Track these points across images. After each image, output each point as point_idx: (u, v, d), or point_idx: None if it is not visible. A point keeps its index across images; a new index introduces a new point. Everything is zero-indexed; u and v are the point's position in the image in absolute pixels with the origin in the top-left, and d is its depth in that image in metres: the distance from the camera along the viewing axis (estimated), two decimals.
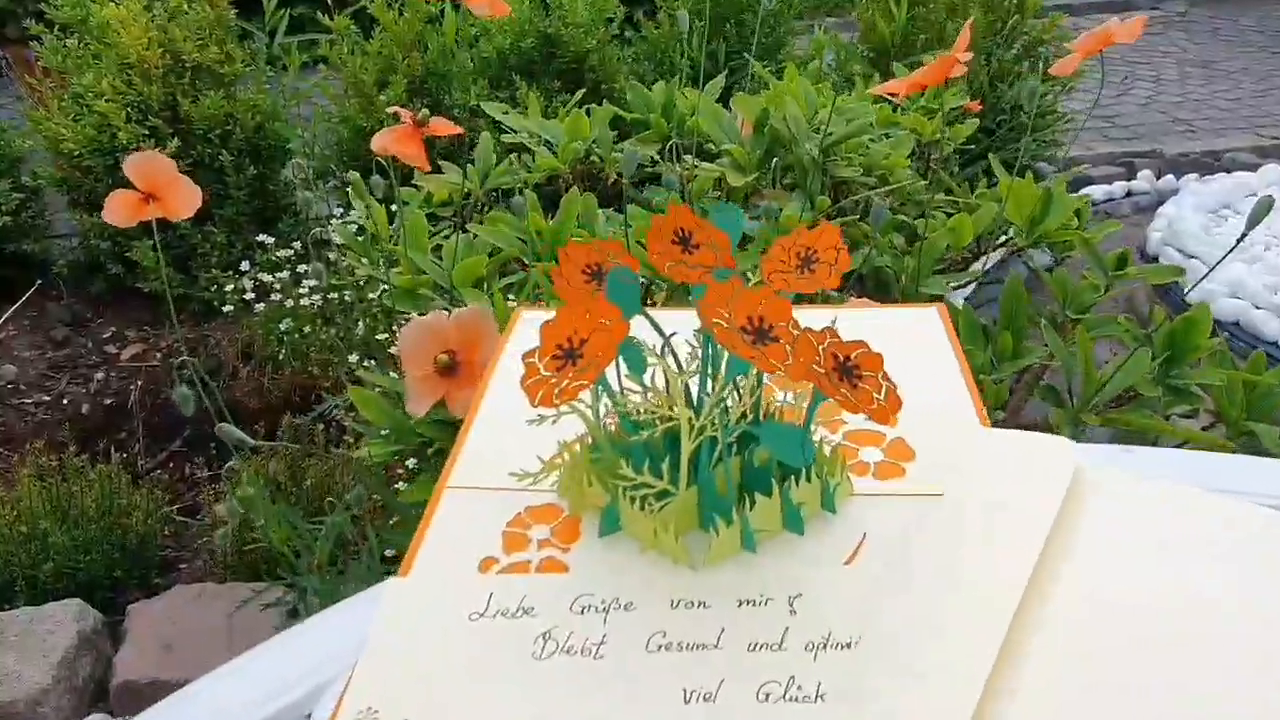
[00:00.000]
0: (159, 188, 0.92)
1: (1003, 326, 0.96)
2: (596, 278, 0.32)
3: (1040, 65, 2.80)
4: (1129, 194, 3.06)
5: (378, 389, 0.96)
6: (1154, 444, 0.94)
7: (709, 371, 0.32)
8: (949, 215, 1.34)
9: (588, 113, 1.34)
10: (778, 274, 0.32)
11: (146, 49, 2.15)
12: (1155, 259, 2.26)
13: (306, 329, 2.03)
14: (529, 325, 0.42)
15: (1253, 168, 3.09)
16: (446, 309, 0.68)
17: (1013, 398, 0.97)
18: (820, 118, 1.21)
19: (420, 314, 0.72)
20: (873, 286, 1.04)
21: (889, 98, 0.82)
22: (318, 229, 2.02)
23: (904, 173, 1.18)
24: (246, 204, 2.29)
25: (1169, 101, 4.35)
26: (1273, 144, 3.54)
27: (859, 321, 0.40)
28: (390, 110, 0.86)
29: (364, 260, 1.01)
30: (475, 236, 1.07)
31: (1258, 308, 1.94)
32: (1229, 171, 3.12)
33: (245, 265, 2.21)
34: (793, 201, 1.03)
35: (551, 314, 0.41)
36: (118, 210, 0.92)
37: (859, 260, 0.97)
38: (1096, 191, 3.02)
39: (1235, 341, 1.97)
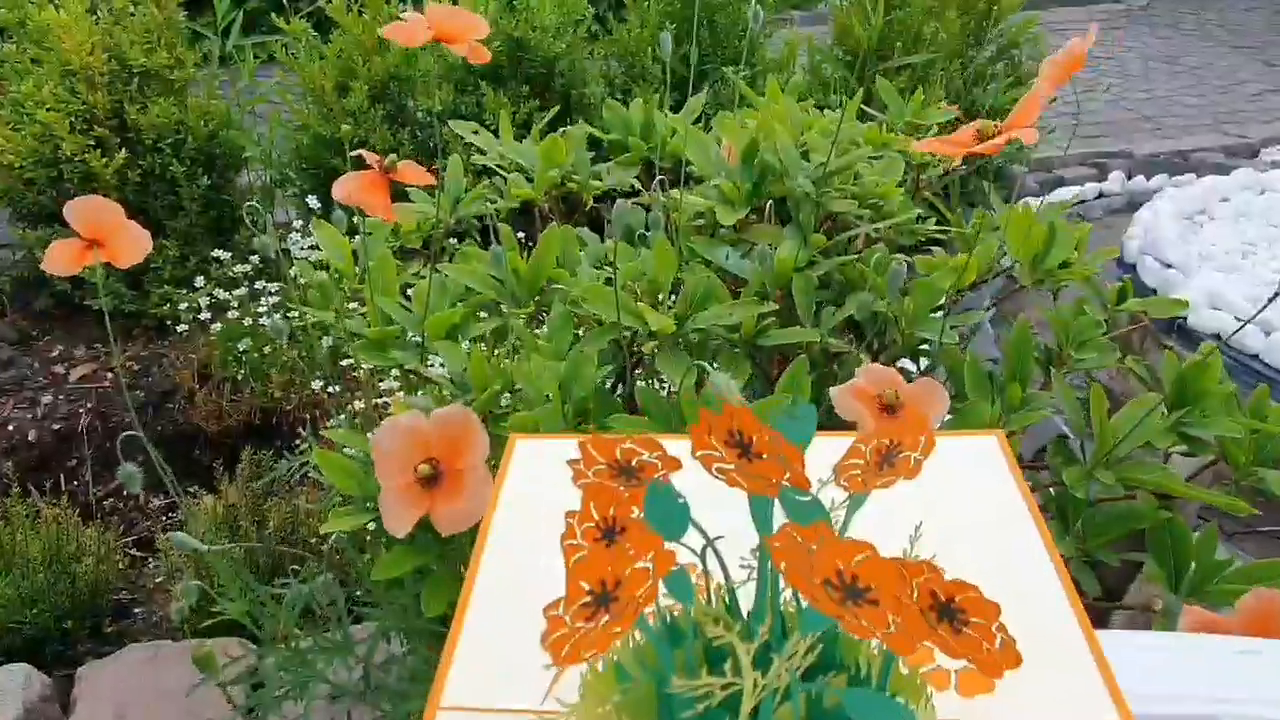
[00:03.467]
0: (103, 233, 0.85)
1: (1009, 376, 0.91)
2: (626, 474, 0.26)
3: (1015, 67, 2.77)
4: (1100, 195, 3.05)
5: (344, 449, 0.89)
6: (1166, 499, 0.90)
7: (767, 591, 0.26)
8: (940, 243, 1.29)
9: (563, 133, 1.27)
10: (854, 476, 0.26)
11: (90, 54, 2.04)
12: (1133, 267, 2.24)
13: (267, 349, 1.94)
14: (526, 456, 0.35)
15: (1221, 168, 3.10)
16: (425, 406, 0.62)
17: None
18: (806, 139, 1.15)
19: (393, 409, 0.66)
20: (871, 331, 0.99)
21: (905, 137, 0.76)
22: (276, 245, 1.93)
23: (896, 201, 1.13)
24: (200, 215, 2.19)
25: (1135, 98, 4.36)
26: (1240, 143, 3.56)
27: None
28: (355, 153, 0.79)
29: (331, 308, 0.94)
30: (447, 277, 1.00)
31: (1239, 320, 1.93)
32: (1197, 172, 3.12)
33: (200, 280, 2.11)
34: (786, 239, 0.97)
35: (550, 443, 0.35)
36: (58, 260, 0.84)
37: (855, 305, 0.92)
38: (1067, 194, 3.01)
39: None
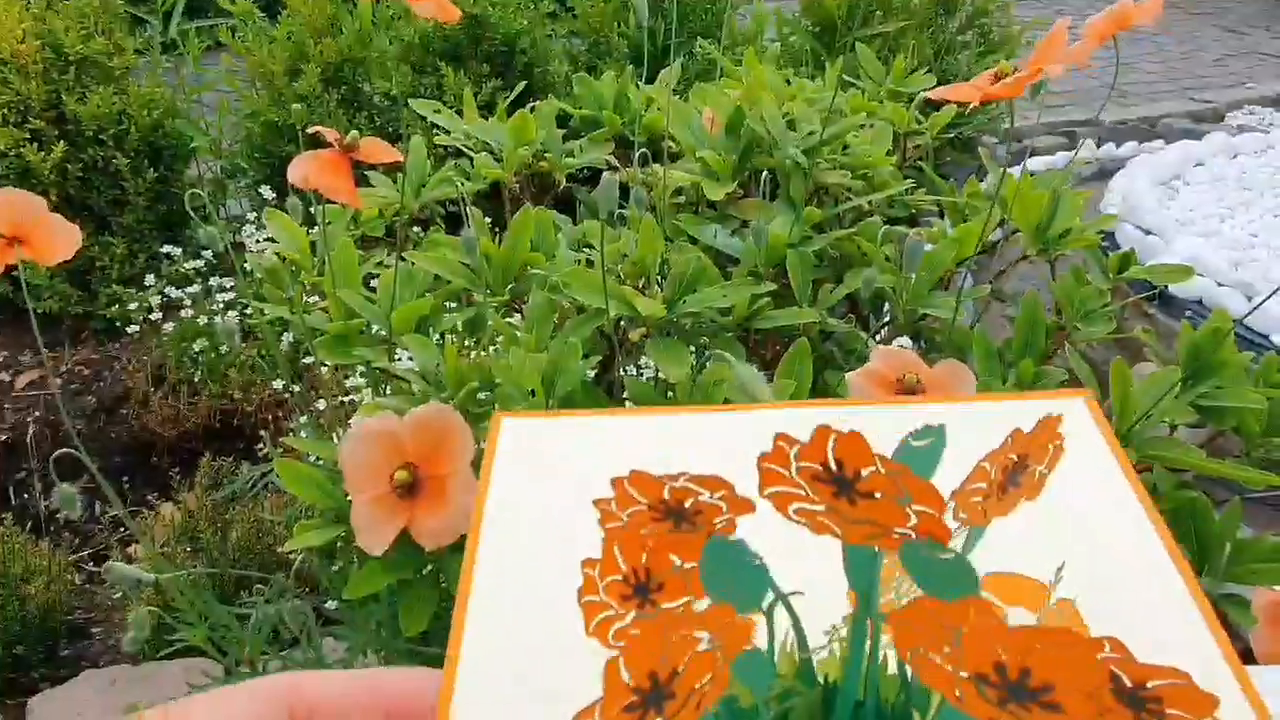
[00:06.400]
0: (25, 229, 0.76)
1: (1020, 351, 0.86)
2: (674, 517, 0.19)
3: (985, 37, 2.73)
4: (1072, 163, 3.03)
5: (310, 458, 0.82)
6: (1189, 478, 0.86)
7: (860, 660, 0.20)
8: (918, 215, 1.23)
9: (531, 109, 1.20)
10: (975, 505, 0.20)
11: (22, 42, 1.92)
12: (1111, 235, 2.21)
13: (223, 348, 1.85)
14: (517, 440, 0.28)
15: (1189, 134, 3.09)
16: (399, 410, 0.55)
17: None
18: (790, 109, 1.09)
19: (365, 415, 0.59)
20: (869, 308, 0.93)
21: (939, 100, 0.70)
22: (224, 237, 1.83)
23: (886, 170, 1.07)
24: (148, 210, 2.08)
25: (1097, 65, 4.35)
26: (1206, 108, 3.55)
27: (986, 419, 0.27)
28: (311, 130, 0.72)
29: (285, 299, 0.86)
30: (413, 265, 0.93)
31: (1220, 284, 1.91)
32: (1166, 138, 3.11)
33: (150, 279, 2.01)
34: (777, 214, 0.91)
35: (545, 422, 0.27)
36: None
37: (860, 281, 0.86)
38: (1038, 164, 2.98)
39: (1198, 320, 1.93)
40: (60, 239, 0.76)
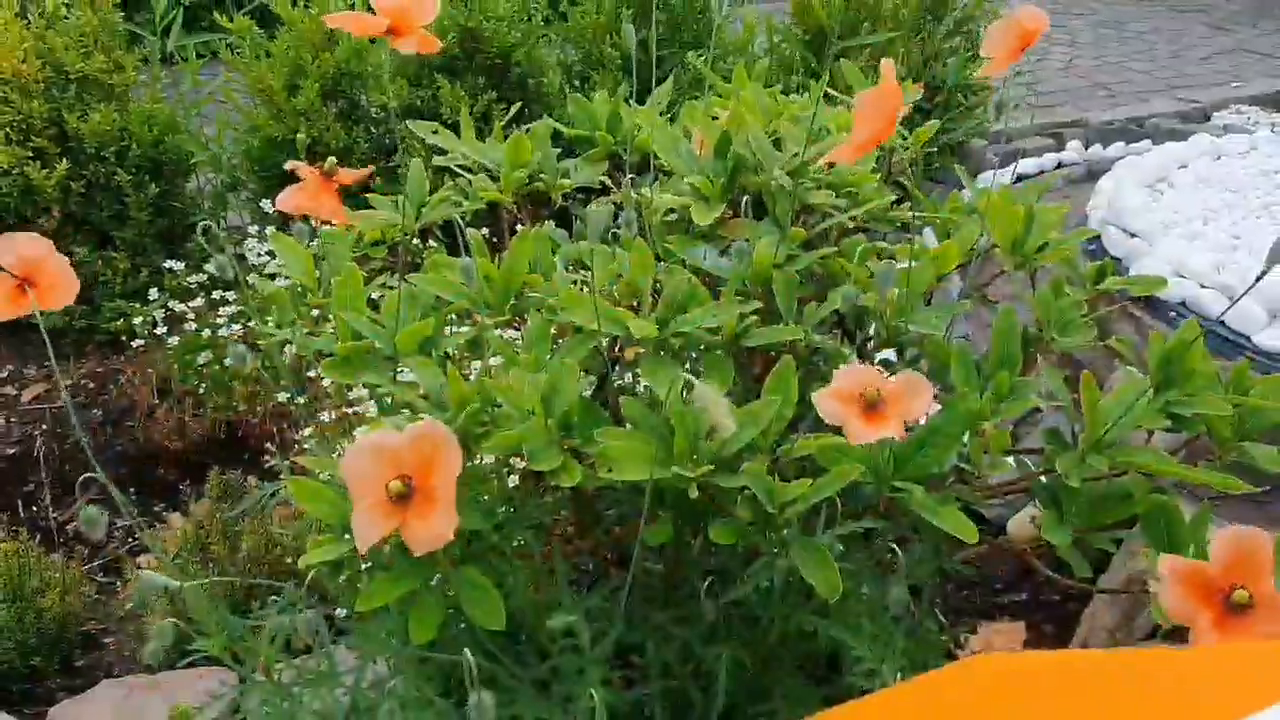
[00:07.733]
0: (34, 271, 0.80)
1: (996, 363, 0.90)
2: None
3: (973, 42, 2.77)
4: (1059, 165, 3.07)
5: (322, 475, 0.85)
6: (1152, 476, 0.90)
7: None
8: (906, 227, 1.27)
9: (527, 130, 1.24)
10: None
11: (23, 61, 1.95)
12: (1097, 238, 2.25)
13: (227, 360, 1.89)
14: None
15: (1176, 134, 3.13)
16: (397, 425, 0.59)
17: None
18: (777, 127, 1.13)
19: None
20: (854, 323, 0.97)
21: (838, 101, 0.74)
22: (233, 264, 1.87)
23: (870, 187, 1.11)
24: (149, 225, 2.12)
25: (1087, 65, 4.40)
26: (1193, 108, 3.60)
27: None
28: (288, 167, 0.76)
29: (296, 322, 0.90)
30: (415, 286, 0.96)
31: (1204, 286, 1.94)
32: (1153, 139, 3.15)
33: (153, 293, 2.04)
34: (764, 233, 0.95)
35: None
36: None
37: (839, 299, 0.90)
38: (1028, 165, 3.02)
39: (1180, 324, 1.96)
40: (64, 283, 0.80)
